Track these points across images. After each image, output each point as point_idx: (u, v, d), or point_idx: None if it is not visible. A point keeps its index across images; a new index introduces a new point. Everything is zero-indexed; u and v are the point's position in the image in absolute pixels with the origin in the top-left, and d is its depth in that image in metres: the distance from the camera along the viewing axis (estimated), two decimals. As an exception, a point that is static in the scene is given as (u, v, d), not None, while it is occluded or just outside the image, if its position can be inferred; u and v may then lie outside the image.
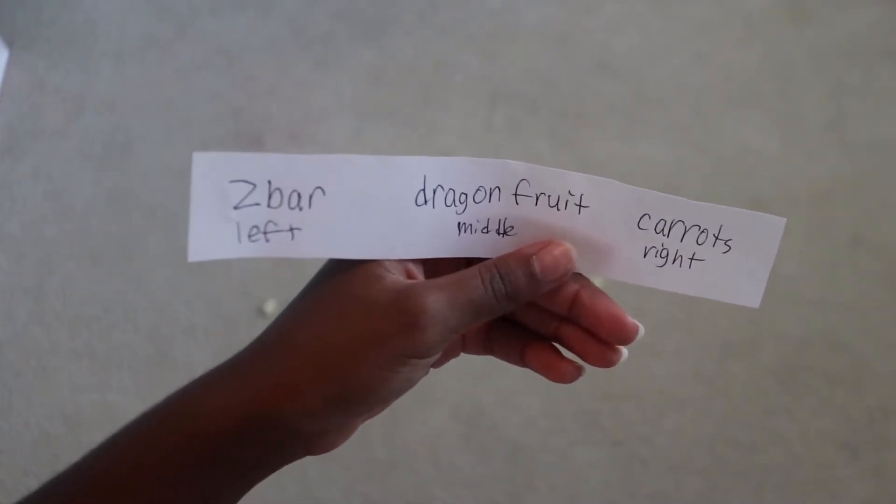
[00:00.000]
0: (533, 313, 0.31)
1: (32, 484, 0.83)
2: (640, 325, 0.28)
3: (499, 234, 0.29)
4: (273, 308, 0.87)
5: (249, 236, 0.26)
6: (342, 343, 0.25)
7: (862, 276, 0.88)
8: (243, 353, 0.27)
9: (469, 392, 0.84)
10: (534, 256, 0.28)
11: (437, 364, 0.31)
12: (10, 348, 0.91)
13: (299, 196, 0.26)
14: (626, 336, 0.28)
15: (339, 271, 0.27)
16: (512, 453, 0.82)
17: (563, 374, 0.30)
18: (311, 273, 0.29)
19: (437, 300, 0.25)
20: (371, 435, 0.82)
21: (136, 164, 1.02)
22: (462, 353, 0.32)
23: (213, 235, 0.25)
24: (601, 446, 0.82)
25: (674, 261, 0.29)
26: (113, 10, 1.16)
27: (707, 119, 1.00)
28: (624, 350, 0.29)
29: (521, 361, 0.31)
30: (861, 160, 0.96)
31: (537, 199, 0.29)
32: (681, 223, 0.29)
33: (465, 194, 0.28)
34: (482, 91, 1.05)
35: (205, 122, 1.05)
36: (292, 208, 0.26)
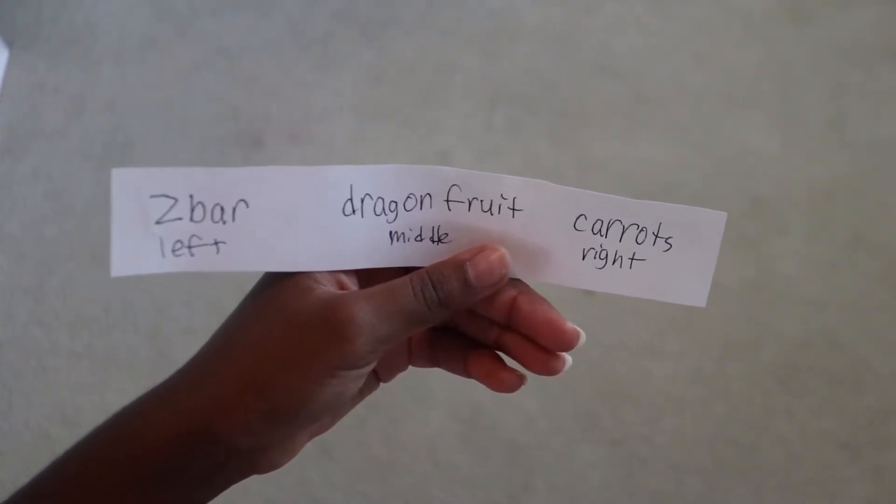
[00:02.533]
0: (473, 322, 0.30)
1: (32, 484, 0.83)
2: (580, 330, 0.28)
3: (433, 241, 0.29)
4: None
5: (173, 251, 0.25)
6: (271, 355, 0.25)
7: (862, 276, 0.88)
8: (182, 369, 0.27)
9: (468, 392, 0.84)
10: (468, 262, 0.27)
11: (384, 378, 0.31)
12: (10, 348, 0.91)
13: (222, 209, 0.26)
14: (566, 342, 0.28)
15: (270, 284, 0.27)
16: (511, 453, 0.82)
17: (504, 383, 0.29)
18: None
19: (364, 310, 0.25)
20: (370, 435, 0.82)
21: (136, 164, 1.02)
22: (410, 367, 0.32)
23: (135, 251, 0.25)
24: (600, 446, 0.82)
25: (613, 262, 0.28)
26: (113, 11, 1.16)
27: (707, 119, 1.00)
28: (567, 357, 0.29)
29: (465, 371, 0.30)
30: (861, 160, 0.96)
31: (470, 204, 0.28)
32: (618, 222, 0.28)
33: (395, 202, 0.28)
34: (482, 91, 1.05)
35: (205, 122, 1.05)
36: (216, 222, 0.26)
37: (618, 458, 0.81)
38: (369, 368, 0.27)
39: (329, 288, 0.27)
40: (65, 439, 0.85)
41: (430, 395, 0.83)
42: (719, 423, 0.82)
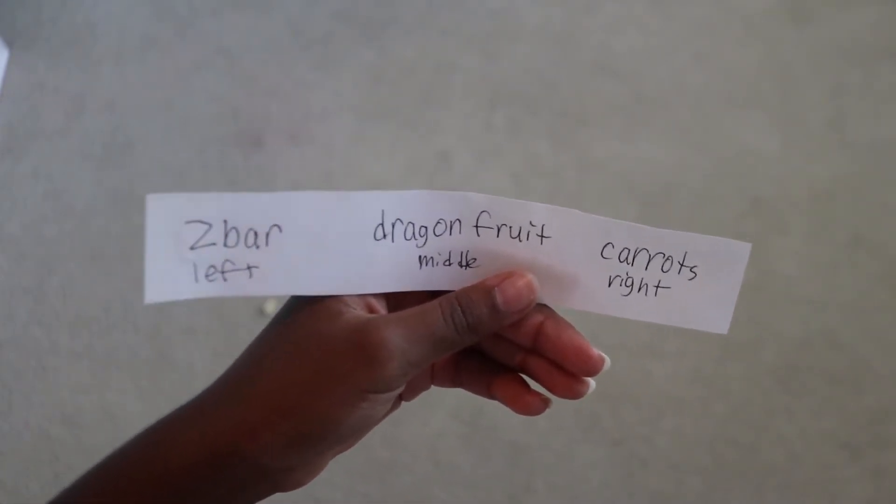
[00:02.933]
0: (499, 345, 0.30)
1: (32, 484, 0.83)
2: (605, 356, 0.28)
3: (461, 266, 0.29)
4: (273, 308, 0.87)
5: (207, 276, 0.25)
6: (301, 380, 0.25)
7: (862, 276, 0.88)
8: (207, 391, 0.27)
9: (468, 393, 0.84)
10: (496, 288, 0.27)
11: (406, 398, 0.31)
12: (10, 348, 0.91)
13: (256, 234, 0.26)
14: (592, 368, 0.28)
15: (299, 308, 0.27)
16: (512, 453, 0.82)
17: (529, 406, 0.29)
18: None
19: (396, 334, 0.25)
20: (371, 435, 0.82)
21: (136, 164, 1.02)
22: (432, 386, 0.32)
23: (170, 276, 0.25)
24: (601, 446, 0.82)
25: (639, 289, 0.29)
26: (113, 11, 1.16)
27: (707, 119, 1.00)
28: (591, 381, 0.29)
29: (489, 393, 0.30)
30: (861, 160, 0.96)
31: (499, 230, 0.28)
32: (645, 251, 0.28)
33: (425, 227, 0.28)
34: (482, 91, 1.05)
35: (205, 122, 1.05)
36: (249, 247, 0.26)
37: (618, 459, 0.81)
38: (399, 391, 0.27)
39: (358, 311, 0.27)
40: (65, 439, 0.85)
41: (432, 395, 0.83)
42: (719, 423, 0.82)
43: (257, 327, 0.28)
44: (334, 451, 0.28)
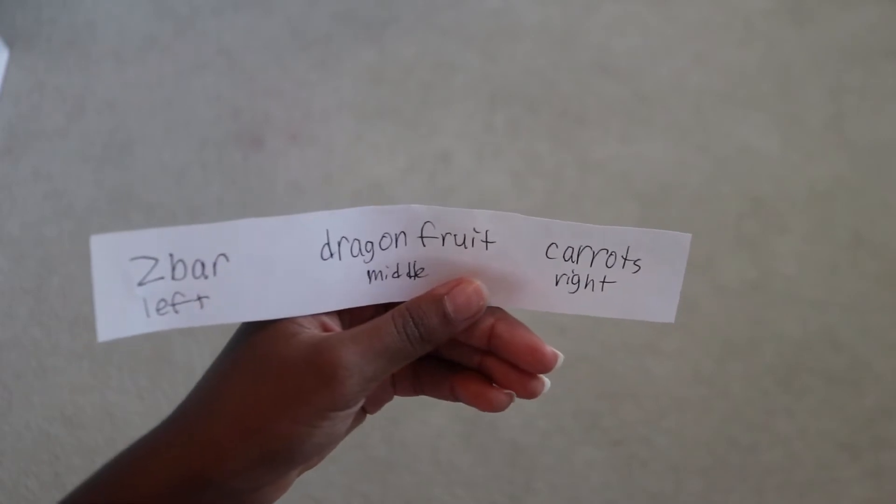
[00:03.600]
0: (456, 349, 0.31)
1: (32, 484, 0.83)
2: (558, 353, 0.29)
3: (409, 276, 0.29)
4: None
5: (158, 310, 0.26)
6: (262, 403, 0.25)
7: (862, 276, 0.88)
8: (170, 418, 0.27)
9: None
10: (445, 297, 0.28)
11: (370, 411, 0.32)
12: (10, 348, 0.91)
13: (203, 265, 0.26)
14: (545, 365, 0.28)
15: (254, 331, 0.27)
16: (512, 453, 0.82)
17: (493, 401, 0.30)
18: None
19: (351, 352, 0.25)
20: (371, 435, 0.82)
21: (136, 164, 1.02)
22: (395, 397, 0.32)
23: (121, 314, 0.25)
24: (601, 446, 0.82)
25: (586, 286, 0.29)
26: (113, 11, 1.16)
27: (707, 119, 1.00)
28: (546, 379, 0.30)
29: (452, 396, 0.31)
30: (861, 160, 0.96)
31: (444, 239, 0.29)
32: (588, 248, 0.29)
33: (371, 242, 0.28)
34: (482, 91, 1.05)
35: (205, 122, 1.05)
36: (197, 277, 0.26)
37: (618, 459, 0.81)
38: (358, 407, 0.27)
39: (313, 331, 0.27)
40: (65, 439, 0.85)
41: (431, 395, 0.83)
42: (719, 423, 0.82)
43: (257, 327, 0.28)
44: (301, 469, 0.29)
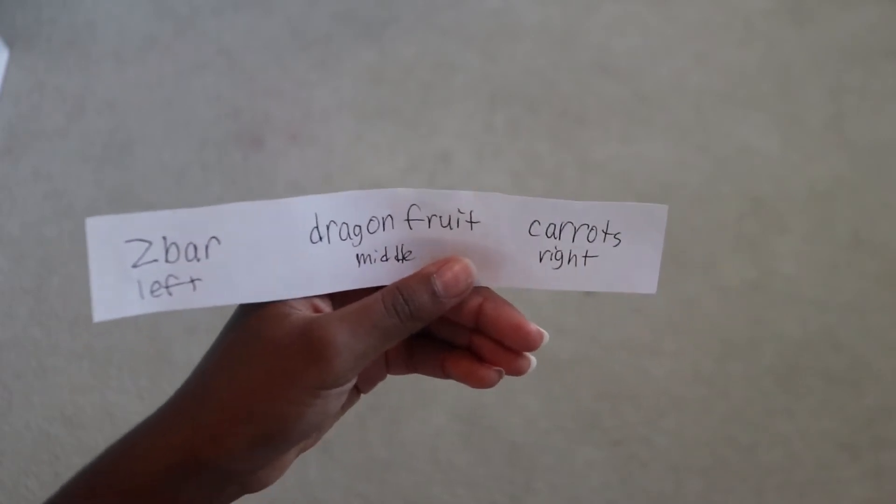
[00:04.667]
0: (445, 327, 0.31)
1: (32, 484, 0.83)
2: (543, 331, 0.29)
3: (398, 259, 0.30)
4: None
5: (152, 292, 0.27)
6: (255, 383, 0.26)
7: (862, 276, 0.88)
8: (166, 405, 0.28)
9: (468, 392, 0.84)
10: (434, 275, 0.28)
11: (364, 390, 0.32)
12: (10, 348, 0.91)
13: (195, 248, 0.27)
14: (530, 343, 0.29)
15: (246, 315, 0.28)
16: (511, 453, 0.82)
17: (483, 379, 0.30)
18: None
19: (341, 330, 0.26)
20: (370, 435, 0.82)
21: (136, 164, 1.02)
22: (389, 375, 0.33)
23: (116, 295, 0.26)
24: (601, 446, 0.82)
25: (569, 261, 0.30)
26: (113, 10, 1.16)
27: (707, 119, 1.00)
28: (532, 357, 0.30)
29: (443, 373, 0.31)
30: (861, 160, 0.96)
31: (429, 221, 0.30)
32: (570, 224, 0.30)
33: (359, 226, 0.29)
34: (482, 91, 1.05)
35: (205, 122, 1.05)
36: (190, 260, 0.27)
37: (618, 458, 0.81)
38: (350, 385, 0.27)
39: (304, 312, 0.28)
40: (65, 439, 0.85)
41: (431, 394, 0.83)
42: (719, 423, 0.82)
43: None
44: (297, 449, 0.29)
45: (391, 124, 1.03)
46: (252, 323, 0.27)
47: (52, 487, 0.27)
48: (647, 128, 1.00)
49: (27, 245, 0.97)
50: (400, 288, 0.28)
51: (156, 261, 0.26)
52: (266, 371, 0.26)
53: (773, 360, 0.85)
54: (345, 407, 0.31)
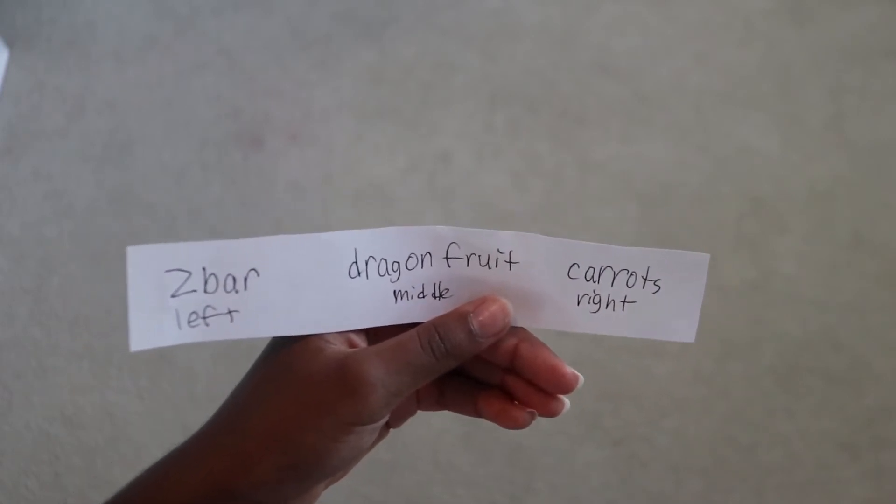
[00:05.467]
0: (479, 366, 0.31)
1: (32, 484, 0.83)
2: (579, 374, 0.29)
3: (434, 297, 0.30)
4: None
5: (189, 322, 0.26)
6: (289, 415, 0.26)
7: (862, 276, 0.88)
8: (197, 434, 0.28)
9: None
10: (471, 314, 0.28)
11: (394, 425, 0.32)
12: (10, 348, 0.91)
13: (234, 279, 0.27)
14: (565, 386, 0.29)
15: (282, 347, 0.28)
16: (512, 454, 0.82)
17: (516, 420, 0.30)
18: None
19: (376, 366, 0.26)
20: (371, 435, 0.82)
21: (136, 164, 1.02)
22: (419, 411, 0.33)
23: (153, 324, 0.26)
24: (601, 446, 0.82)
25: (607, 305, 0.30)
26: (113, 10, 1.16)
27: (707, 119, 1.00)
28: (566, 400, 0.30)
29: (475, 412, 0.31)
30: (861, 160, 0.96)
31: (468, 259, 0.29)
32: (609, 269, 0.30)
33: (398, 262, 0.29)
34: (482, 91, 1.05)
35: (205, 122, 1.05)
36: (228, 292, 0.27)
37: (618, 459, 0.81)
38: (383, 422, 0.27)
39: (339, 346, 0.28)
40: (65, 439, 0.85)
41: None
42: (719, 423, 0.82)
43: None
44: (326, 483, 0.29)
45: (391, 124, 1.03)
46: (286, 355, 0.27)
47: (53, 487, 0.27)
48: (647, 128, 1.00)
49: (27, 245, 0.97)
50: (436, 325, 0.28)
51: (195, 291, 0.26)
52: (300, 403, 0.26)
53: (773, 360, 0.85)
54: (375, 442, 0.31)
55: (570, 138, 1.00)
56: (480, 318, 0.28)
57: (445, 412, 0.33)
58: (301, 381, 0.26)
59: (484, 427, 0.83)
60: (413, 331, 0.28)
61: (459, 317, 0.28)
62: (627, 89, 1.03)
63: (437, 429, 0.83)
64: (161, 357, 0.89)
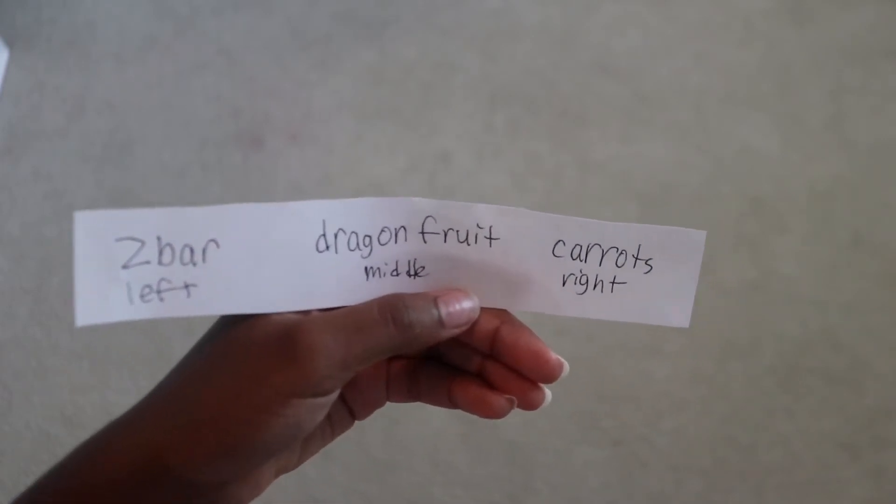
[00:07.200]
0: (456, 350, 0.29)
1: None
2: (564, 362, 0.27)
3: (409, 275, 0.28)
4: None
5: (142, 297, 0.24)
6: (220, 387, 0.24)
7: (862, 276, 0.88)
8: (140, 403, 0.26)
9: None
10: (440, 299, 0.26)
11: (359, 416, 0.30)
12: (10, 348, 0.91)
13: (192, 251, 0.24)
14: (550, 373, 0.27)
15: (229, 318, 0.26)
16: (511, 454, 0.82)
17: (493, 406, 0.28)
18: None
19: (321, 333, 0.24)
20: (370, 435, 0.82)
21: (136, 164, 1.02)
22: (388, 402, 0.31)
23: (102, 298, 0.24)
24: (600, 447, 0.82)
25: (594, 286, 0.28)
26: (113, 10, 1.16)
27: (707, 119, 1.00)
28: (547, 391, 0.28)
29: (449, 402, 0.29)
30: (861, 160, 0.95)
31: (445, 235, 0.27)
32: (597, 246, 0.27)
33: (370, 237, 0.27)
34: (482, 91, 1.05)
35: (205, 122, 1.05)
36: (185, 264, 0.24)
37: (618, 459, 0.81)
38: (329, 398, 0.25)
39: (289, 315, 0.26)
40: (65, 439, 0.85)
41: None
42: (719, 423, 0.82)
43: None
44: (274, 467, 0.27)
45: (391, 124, 1.03)
46: (231, 325, 0.25)
47: (52, 487, 0.27)
48: (647, 128, 1.00)
49: (27, 245, 0.97)
50: (399, 297, 0.26)
51: (148, 262, 0.24)
52: (234, 374, 0.24)
53: (773, 360, 0.85)
54: (335, 430, 0.29)
55: (570, 138, 1.00)
56: (449, 308, 0.26)
57: (446, 411, 0.32)
58: (239, 350, 0.24)
59: (483, 426, 0.83)
60: (372, 300, 0.25)
61: (427, 298, 0.26)
62: (627, 89, 1.03)
63: (435, 428, 0.83)
64: (161, 357, 0.89)
